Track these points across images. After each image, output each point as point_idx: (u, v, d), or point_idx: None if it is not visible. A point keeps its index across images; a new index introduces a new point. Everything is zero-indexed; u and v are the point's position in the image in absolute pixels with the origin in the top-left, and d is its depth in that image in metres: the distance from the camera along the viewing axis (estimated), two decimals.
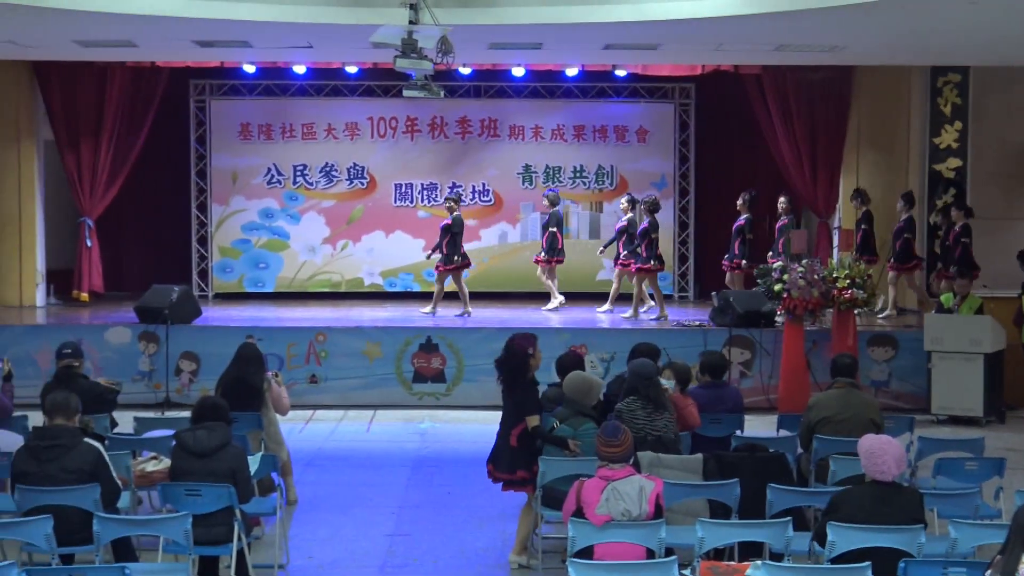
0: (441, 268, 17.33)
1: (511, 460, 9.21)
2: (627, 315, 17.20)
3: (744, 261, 17.53)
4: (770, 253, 17.37)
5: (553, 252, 17.91)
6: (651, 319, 17.03)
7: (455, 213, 17.30)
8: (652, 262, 17.04)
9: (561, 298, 18.11)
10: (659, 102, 20.26)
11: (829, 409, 9.70)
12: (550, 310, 17.95)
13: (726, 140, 20.53)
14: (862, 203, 17.46)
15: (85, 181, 18.58)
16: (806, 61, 16.46)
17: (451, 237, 17.15)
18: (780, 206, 17.59)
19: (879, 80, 18.33)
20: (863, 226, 17.32)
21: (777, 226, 17.61)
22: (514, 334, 9.96)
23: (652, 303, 17.56)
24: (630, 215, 17.41)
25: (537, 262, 18.28)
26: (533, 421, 9.11)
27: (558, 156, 20.23)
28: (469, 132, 20.23)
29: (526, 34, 13.79)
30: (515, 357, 9.43)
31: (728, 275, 17.92)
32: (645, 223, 17.05)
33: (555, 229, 17.89)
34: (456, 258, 17.19)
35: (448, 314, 17.23)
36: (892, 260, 16.97)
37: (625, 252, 17.39)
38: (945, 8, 12.22)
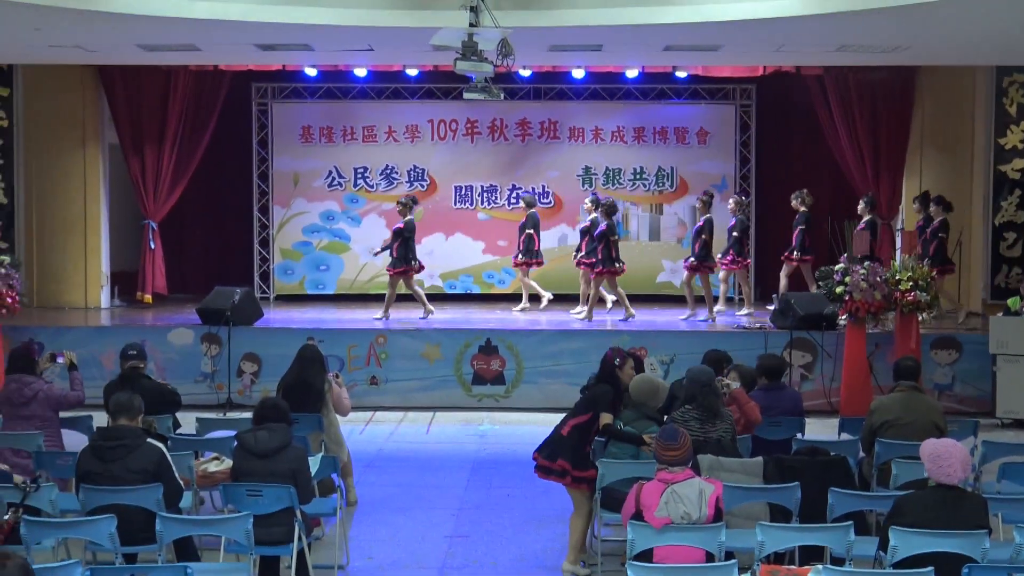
0: (391, 272, 17.23)
1: (555, 448, 9.19)
2: (579, 315, 17.34)
3: (703, 262, 17.34)
4: (719, 255, 17.51)
5: (530, 255, 17.95)
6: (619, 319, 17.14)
7: (408, 216, 17.20)
8: (611, 265, 16.97)
9: (544, 300, 18.23)
10: (720, 103, 20.17)
11: (892, 412, 9.61)
12: (520, 310, 18.18)
13: (787, 141, 20.42)
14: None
15: (149, 184, 18.79)
16: (868, 61, 16.31)
17: (403, 240, 17.08)
18: (730, 205, 17.64)
19: (943, 80, 18.15)
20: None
21: (728, 228, 17.60)
22: (612, 347, 9.91)
23: (587, 307, 17.57)
24: (593, 215, 17.39)
25: (516, 265, 18.37)
26: (606, 419, 9.10)
27: (618, 158, 20.19)
28: (529, 134, 20.24)
29: (586, 36, 13.77)
30: (602, 367, 9.50)
31: (686, 273, 17.75)
32: (603, 226, 16.99)
33: (532, 231, 17.93)
34: (412, 262, 17.14)
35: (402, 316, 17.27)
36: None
37: (586, 252, 17.46)
38: (1009, 7, 12.06)
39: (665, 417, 9.09)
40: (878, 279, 14.26)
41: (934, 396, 13.96)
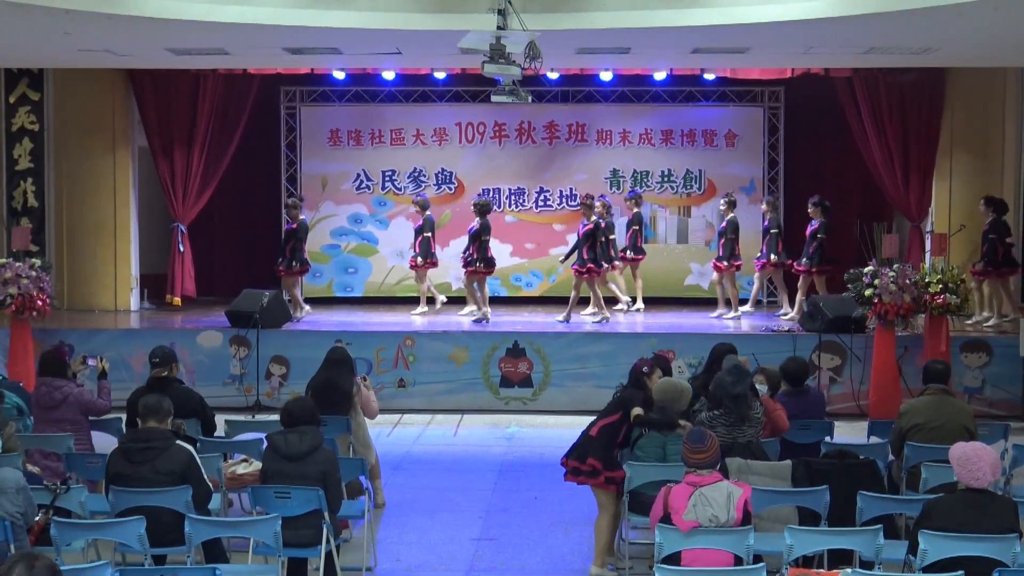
0: (283, 272, 17.63)
1: (585, 448, 9.19)
2: (474, 317, 17.43)
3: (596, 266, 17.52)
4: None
5: (427, 256, 18.01)
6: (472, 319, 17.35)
7: (301, 217, 17.60)
8: (479, 264, 17.16)
9: (439, 300, 18.41)
10: (748, 105, 20.11)
11: (921, 416, 9.57)
12: (418, 313, 18.20)
13: (816, 143, 20.33)
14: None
15: (178, 187, 18.86)
16: (897, 63, 16.25)
17: (295, 242, 17.36)
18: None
19: (973, 82, 18.04)
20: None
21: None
22: (641, 357, 9.90)
23: (473, 306, 17.89)
24: (478, 219, 17.44)
25: (412, 267, 18.45)
26: (637, 410, 9.09)
27: (646, 160, 20.16)
28: (557, 137, 20.24)
29: (614, 38, 13.76)
30: (631, 375, 9.54)
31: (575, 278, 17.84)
32: (476, 225, 17.12)
33: (428, 234, 18.01)
34: (295, 264, 17.52)
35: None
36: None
37: (465, 254, 17.54)
38: None
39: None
40: (907, 281, 14.20)
41: (964, 399, 13.85)
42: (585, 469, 9.15)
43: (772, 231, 17.57)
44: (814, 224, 17.15)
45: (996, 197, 16.65)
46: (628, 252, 18.45)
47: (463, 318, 17.59)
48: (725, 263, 17.61)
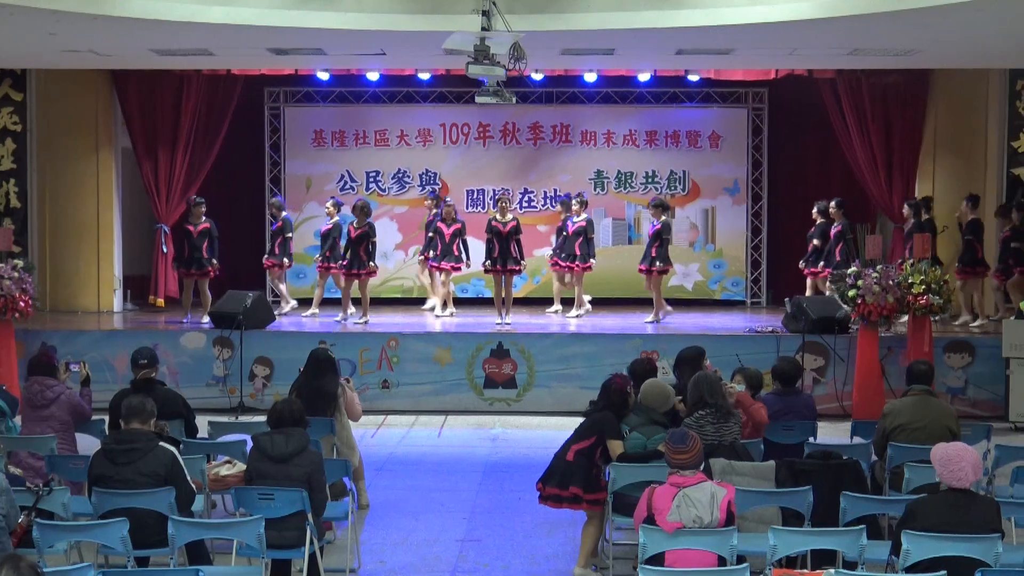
0: (212, 273, 17.78)
1: (565, 475, 9.11)
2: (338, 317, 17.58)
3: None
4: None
5: (283, 255, 18.31)
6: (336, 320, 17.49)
7: (205, 215, 17.74)
8: (371, 264, 17.40)
9: (290, 306, 18.72)
10: (732, 107, 20.15)
11: (904, 416, 9.59)
12: (284, 314, 18.35)
13: (800, 145, 20.38)
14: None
15: (162, 188, 18.82)
16: (881, 65, 16.29)
17: (209, 241, 17.55)
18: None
19: (956, 83, 18.11)
20: (664, 236, 17.30)
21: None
22: (617, 374, 9.79)
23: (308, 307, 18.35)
24: (335, 219, 17.69)
25: (268, 267, 18.80)
26: (617, 447, 9.01)
27: (630, 162, 20.19)
28: (541, 138, 20.25)
29: (598, 39, 13.77)
30: (610, 394, 9.30)
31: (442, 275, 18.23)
32: (365, 227, 17.27)
33: (290, 235, 18.36)
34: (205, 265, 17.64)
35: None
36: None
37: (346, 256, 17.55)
38: (1022, 9, 12.03)
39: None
40: (891, 282, 14.23)
41: (947, 400, 13.91)
42: (567, 496, 9.09)
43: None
44: (656, 224, 17.24)
45: None
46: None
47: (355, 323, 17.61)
48: (580, 263, 17.82)
